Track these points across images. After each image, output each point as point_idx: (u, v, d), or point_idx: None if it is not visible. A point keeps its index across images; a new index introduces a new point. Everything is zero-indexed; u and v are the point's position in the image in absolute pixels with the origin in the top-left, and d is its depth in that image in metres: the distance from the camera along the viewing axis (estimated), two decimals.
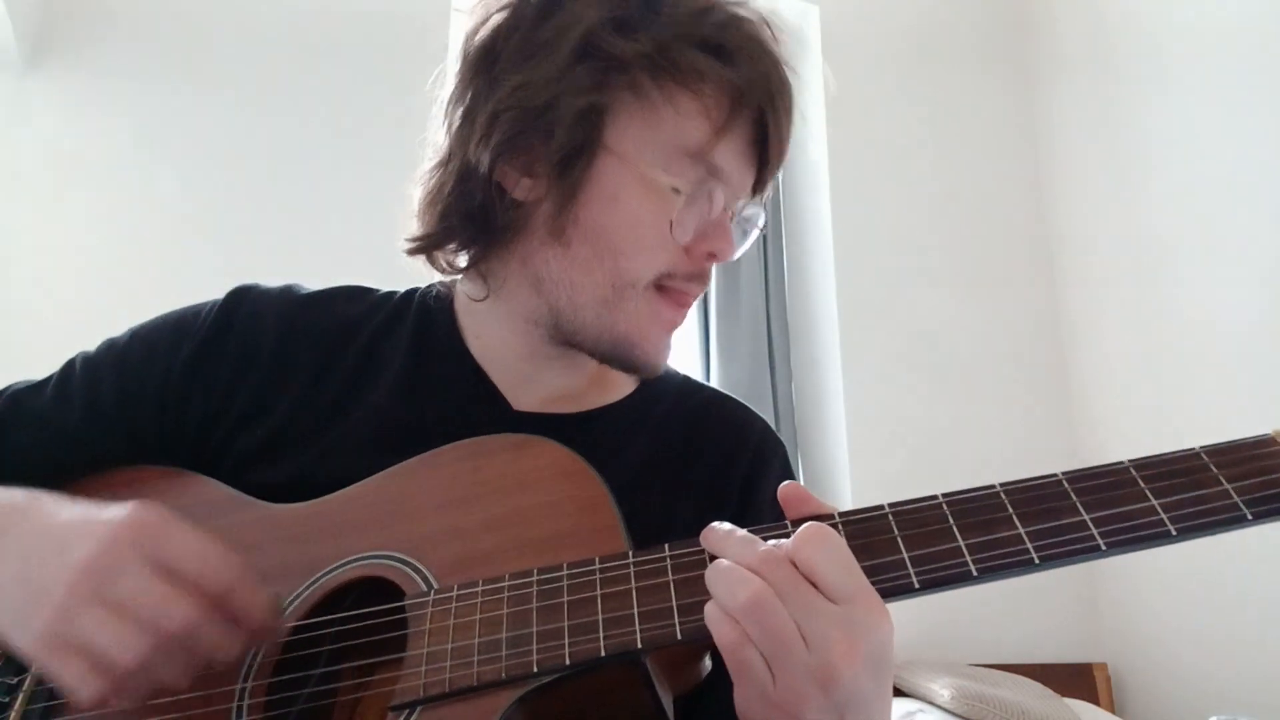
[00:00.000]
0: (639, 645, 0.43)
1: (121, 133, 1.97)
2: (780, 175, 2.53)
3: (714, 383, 2.40)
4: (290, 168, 2.08)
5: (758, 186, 0.68)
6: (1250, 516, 0.41)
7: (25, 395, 0.67)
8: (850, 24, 2.74)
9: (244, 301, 0.69)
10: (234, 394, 0.65)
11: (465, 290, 0.72)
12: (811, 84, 2.69)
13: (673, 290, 0.64)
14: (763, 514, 0.65)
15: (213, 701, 0.48)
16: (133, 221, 1.94)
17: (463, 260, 0.69)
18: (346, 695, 0.50)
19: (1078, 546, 0.42)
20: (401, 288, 0.76)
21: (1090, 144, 2.71)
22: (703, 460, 0.68)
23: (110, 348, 0.68)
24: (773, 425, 2.64)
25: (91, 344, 0.71)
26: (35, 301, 1.82)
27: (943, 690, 1.90)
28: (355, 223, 1.70)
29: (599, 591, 0.45)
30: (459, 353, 0.69)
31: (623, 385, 0.73)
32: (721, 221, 0.64)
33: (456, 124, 0.64)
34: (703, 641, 0.43)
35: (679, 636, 0.43)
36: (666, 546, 0.47)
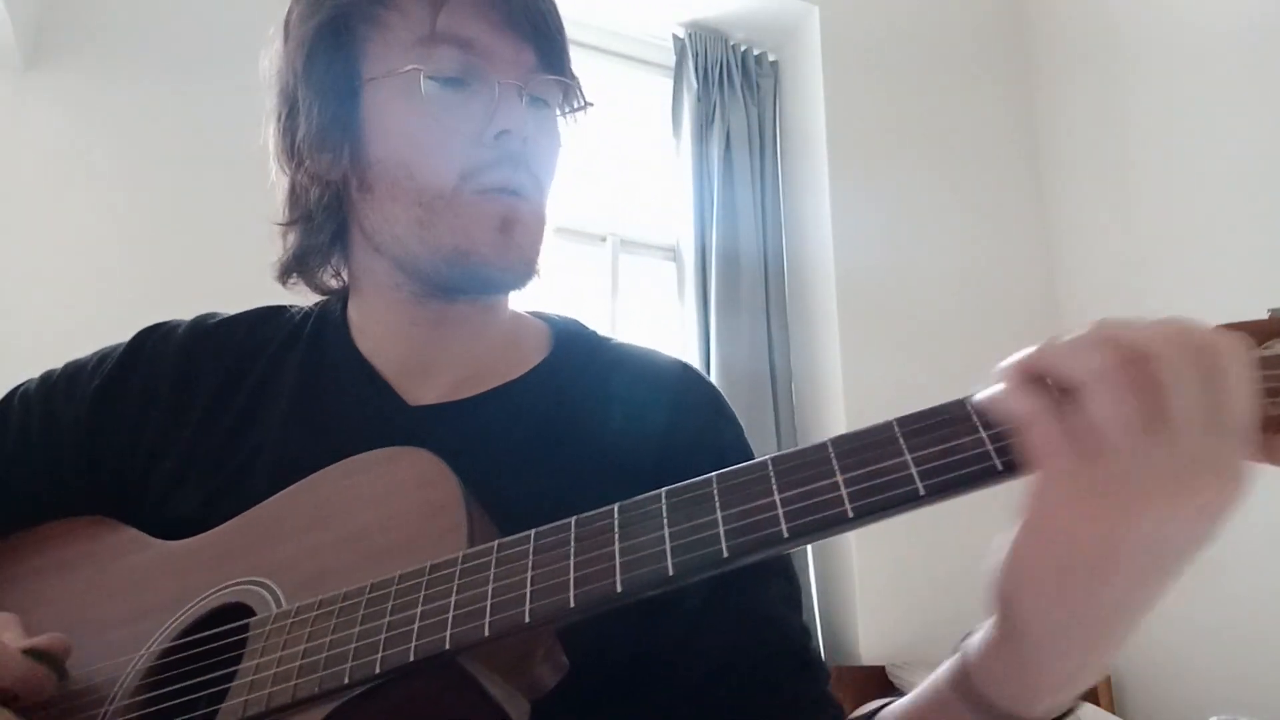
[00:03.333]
0: (447, 646, 0.41)
1: (121, 133, 1.97)
2: (780, 174, 2.50)
3: (713, 369, 2.39)
4: None
5: (546, 60, 0.62)
6: (923, 493, 0.37)
7: None
8: (850, 24, 2.74)
9: (147, 341, 0.69)
10: (140, 433, 0.64)
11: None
12: (811, 83, 2.70)
13: (491, 187, 0.60)
14: (688, 460, 0.58)
15: None
16: (133, 221, 1.94)
17: (330, 277, 0.70)
18: (202, 715, 0.49)
19: (766, 531, 0.39)
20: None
21: (1089, 141, 2.71)
22: (615, 420, 0.64)
23: (43, 382, 0.68)
24: (772, 416, 2.61)
25: (87, 345, 0.71)
26: (34, 301, 1.82)
27: None
28: None
29: (422, 594, 0.43)
30: (350, 356, 0.67)
31: (532, 355, 0.69)
32: (500, 96, 0.60)
33: (271, 152, 0.67)
34: (511, 636, 0.40)
35: (486, 634, 0.40)
36: (496, 543, 0.44)
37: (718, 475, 0.41)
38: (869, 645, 2.21)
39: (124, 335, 0.71)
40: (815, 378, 2.54)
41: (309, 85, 0.62)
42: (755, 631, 0.59)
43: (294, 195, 0.66)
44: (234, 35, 2.12)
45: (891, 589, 2.28)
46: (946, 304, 2.61)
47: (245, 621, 0.48)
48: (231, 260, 1.93)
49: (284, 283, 0.69)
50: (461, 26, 0.59)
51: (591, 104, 0.69)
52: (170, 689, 0.49)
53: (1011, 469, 0.37)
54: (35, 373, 0.71)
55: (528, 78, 0.62)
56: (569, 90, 0.67)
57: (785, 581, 0.63)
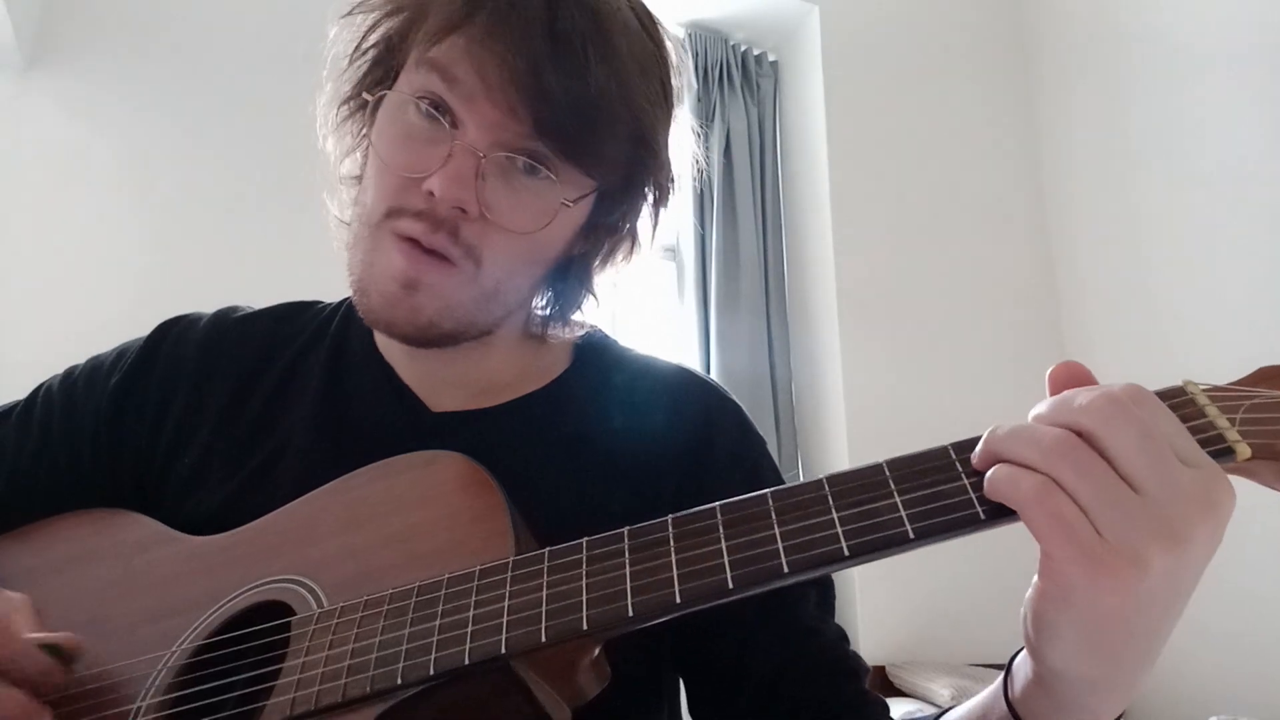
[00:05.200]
0: (503, 650, 0.41)
1: (121, 133, 1.97)
2: (780, 174, 2.50)
3: (713, 369, 2.39)
4: (291, 168, 2.07)
5: (546, 133, 0.54)
6: (913, 536, 0.38)
7: None
8: (850, 24, 2.74)
9: (168, 334, 0.68)
10: (160, 426, 0.64)
11: None
12: (811, 83, 2.70)
13: (408, 234, 0.55)
14: (717, 478, 0.62)
15: None
16: (132, 221, 1.94)
17: None
18: (237, 714, 0.49)
19: (767, 564, 0.40)
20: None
21: (1089, 142, 2.71)
22: (637, 434, 0.64)
23: (66, 378, 0.68)
24: (772, 417, 2.60)
25: (88, 345, 0.71)
26: (34, 301, 1.82)
27: (943, 690, 1.90)
28: None
29: (473, 598, 0.43)
30: (374, 359, 0.67)
31: (554, 365, 0.68)
32: (452, 156, 0.53)
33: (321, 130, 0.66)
34: (566, 643, 0.41)
35: (543, 639, 0.40)
36: (546, 550, 0.44)
37: (772, 493, 0.42)
38: (869, 645, 2.21)
39: (125, 334, 0.71)
40: (815, 377, 2.54)
41: (352, 88, 0.62)
42: (797, 644, 0.60)
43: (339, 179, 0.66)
44: (233, 35, 2.12)
45: (891, 590, 2.28)
46: (947, 305, 2.61)
47: (286, 620, 0.48)
48: (232, 258, 1.93)
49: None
50: (459, 61, 0.54)
51: (649, 207, 0.64)
52: (206, 686, 0.48)
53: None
54: (35, 371, 0.71)
55: (503, 144, 0.54)
56: (592, 176, 0.58)
57: (819, 589, 0.64)
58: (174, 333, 0.69)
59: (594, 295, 0.68)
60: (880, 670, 2.14)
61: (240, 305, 0.72)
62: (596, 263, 0.67)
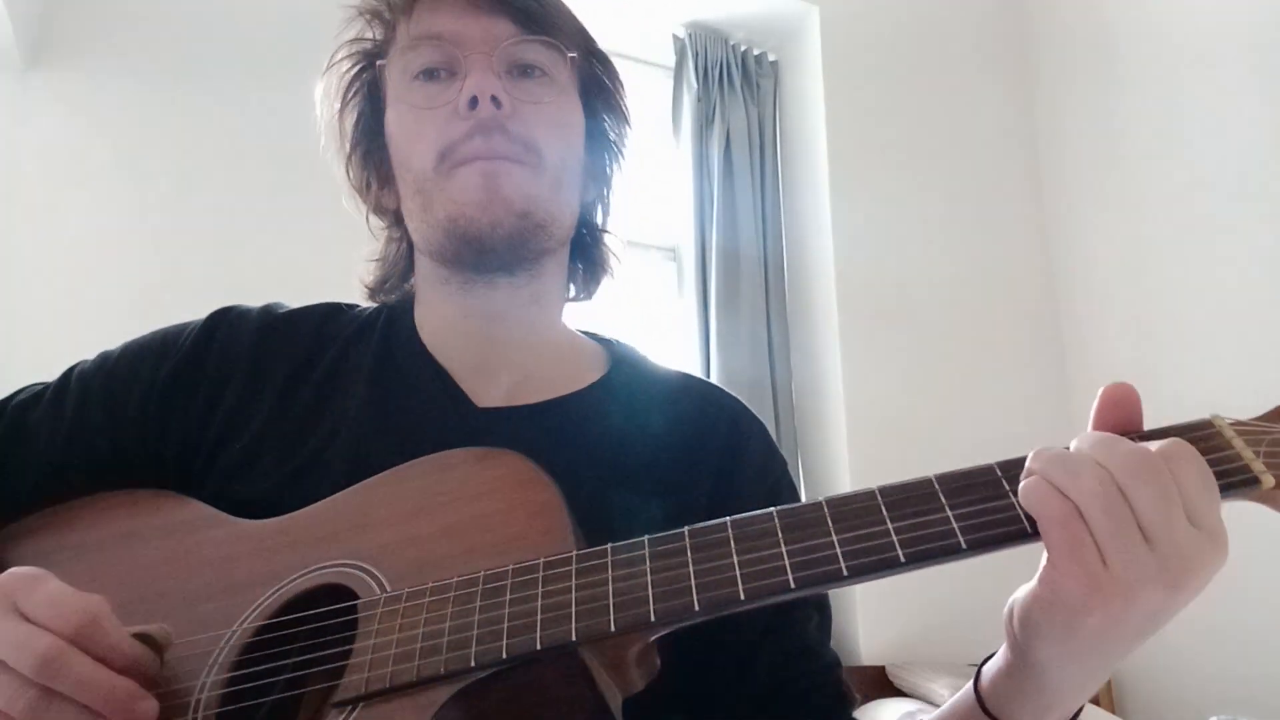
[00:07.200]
0: (574, 638, 0.43)
1: (121, 133, 1.97)
2: (780, 174, 2.49)
3: (713, 370, 2.40)
4: (290, 169, 2.08)
5: (524, 26, 0.66)
6: (965, 546, 0.42)
7: (25, 407, 0.66)
8: (850, 24, 2.74)
9: (223, 322, 0.70)
10: (212, 412, 0.65)
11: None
12: (811, 83, 2.70)
13: (469, 157, 0.63)
14: (744, 490, 0.65)
15: (172, 696, 0.49)
16: (132, 222, 1.94)
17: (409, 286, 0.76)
18: (300, 693, 0.50)
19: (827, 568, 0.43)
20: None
21: (1089, 143, 2.71)
22: (671, 443, 0.67)
23: (102, 361, 0.68)
24: (772, 418, 2.61)
25: (89, 344, 0.71)
26: (34, 301, 1.82)
27: (943, 690, 1.90)
28: (356, 226, 1.70)
29: (540, 589, 0.46)
30: (419, 354, 0.70)
31: (590, 371, 0.72)
32: (468, 68, 0.64)
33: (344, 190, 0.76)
34: (639, 632, 0.43)
35: (612, 629, 0.43)
36: (610, 546, 0.47)
37: (827, 500, 0.45)
38: (869, 645, 2.21)
39: (124, 333, 0.71)
40: (815, 378, 2.54)
41: (355, 133, 0.72)
42: (796, 663, 0.63)
43: (372, 230, 0.76)
44: (233, 35, 2.12)
45: (891, 590, 2.28)
46: (946, 305, 2.61)
47: (352, 603, 0.50)
48: (232, 259, 1.93)
49: (375, 300, 0.77)
50: (430, 24, 0.65)
51: (599, 55, 0.73)
52: (271, 665, 0.50)
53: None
54: (36, 370, 0.71)
55: (500, 47, 0.64)
56: (565, 47, 0.67)
57: (819, 613, 0.67)
58: (228, 321, 0.70)
59: (614, 257, 0.79)
60: (880, 670, 2.14)
61: (280, 303, 0.74)
62: (603, 207, 0.77)
